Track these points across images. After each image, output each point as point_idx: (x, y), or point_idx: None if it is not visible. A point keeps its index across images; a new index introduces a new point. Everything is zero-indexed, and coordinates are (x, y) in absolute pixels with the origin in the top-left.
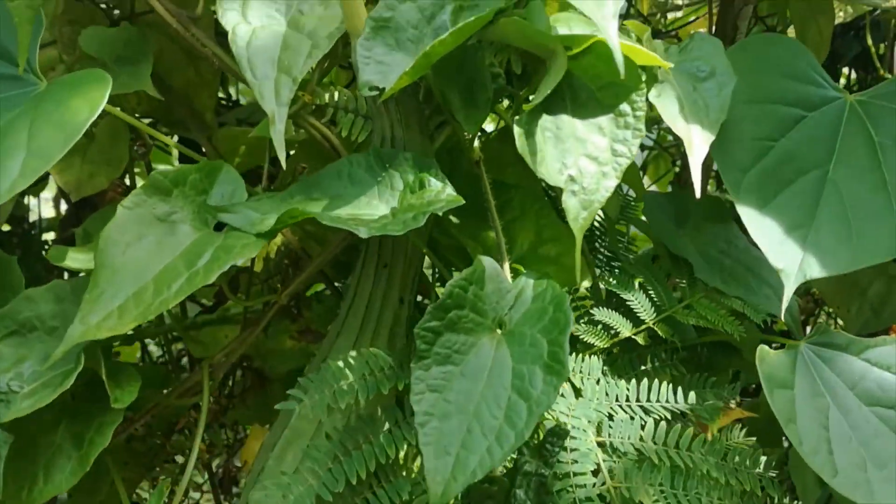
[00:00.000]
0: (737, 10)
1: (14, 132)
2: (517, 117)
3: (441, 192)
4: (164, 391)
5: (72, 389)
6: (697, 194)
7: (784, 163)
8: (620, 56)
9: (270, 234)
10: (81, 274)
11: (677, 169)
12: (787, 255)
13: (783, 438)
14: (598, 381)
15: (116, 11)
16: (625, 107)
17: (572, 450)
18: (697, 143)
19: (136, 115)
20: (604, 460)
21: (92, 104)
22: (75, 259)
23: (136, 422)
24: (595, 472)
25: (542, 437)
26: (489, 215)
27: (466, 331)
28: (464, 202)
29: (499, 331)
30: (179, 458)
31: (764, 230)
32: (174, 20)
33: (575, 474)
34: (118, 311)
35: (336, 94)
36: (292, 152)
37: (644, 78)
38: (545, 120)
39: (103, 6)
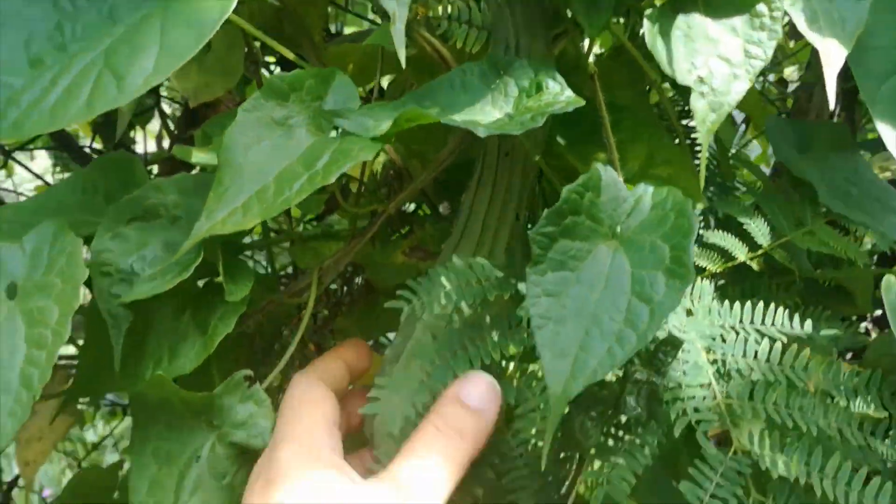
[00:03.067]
0: None
1: (146, 30)
2: (648, 12)
3: (560, 93)
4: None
5: (195, 280)
6: (832, 104)
7: None
8: None
9: (386, 138)
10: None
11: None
12: None
13: None
14: (710, 305)
15: None
16: (761, 7)
17: (684, 362)
18: (833, 54)
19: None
20: (715, 377)
21: (223, 3)
22: (198, 156)
23: (250, 318)
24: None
25: (653, 348)
26: (603, 132)
27: (582, 237)
28: (584, 103)
29: (614, 239)
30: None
31: None
32: None
33: (686, 386)
34: (242, 208)
35: (449, 7)
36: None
37: None
38: (679, 19)
39: None
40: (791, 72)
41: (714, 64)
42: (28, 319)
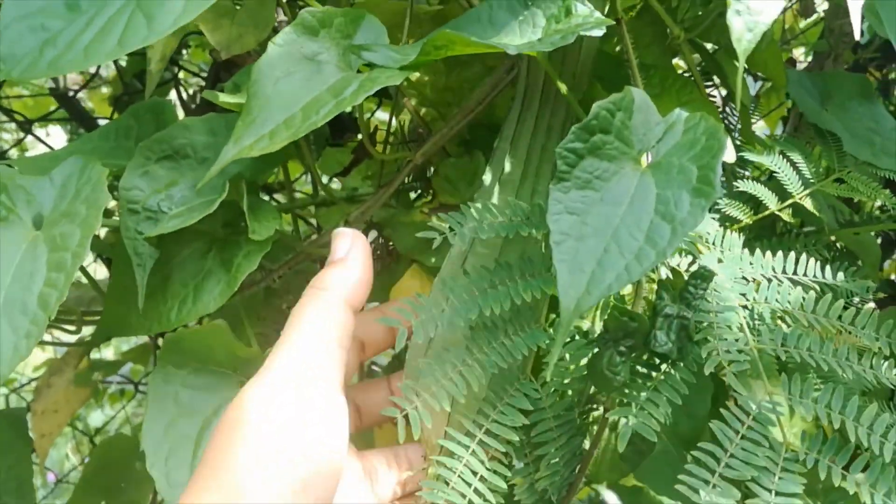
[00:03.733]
0: None
1: None
2: None
3: (589, 15)
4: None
5: (222, 222)
6: (857, 35)
7: None
8: None
9: (413, 67)
10: None
11: (790, 104)
12: None
13: None
14: (740, 255)
15: None
16: None
17: (717, 303)
18: None
19: None
20: (746, 322)
21: None
22: (227, 98)
23: (275, 272)
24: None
25: (683, 282)
26: (632, 82)
27: (609, 158)
28: (613, 23)
29: (644, 163)
30: None
31: None
32: None
33: (718, 326)
34: (269, 134)
35: None
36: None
37: None
38: None
39: None
40: (799, 54)
41: None
42: (51, 245)
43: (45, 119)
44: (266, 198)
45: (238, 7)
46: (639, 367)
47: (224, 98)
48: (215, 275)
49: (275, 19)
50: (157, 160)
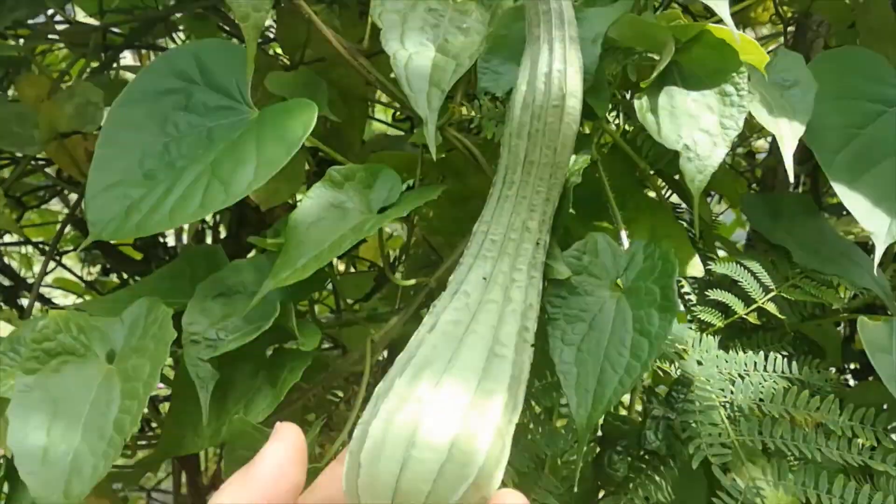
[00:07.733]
0: (809, 42)
1: (244, 146)
2: (637, 94)
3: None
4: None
5: (268, 345)
6: (791, 178)
7: (869, 147)
8: (734, 29)
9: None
10: None
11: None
12: (876, 221)
13: None
14: (716, 356)
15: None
16: (729, 87)
17: (698, 403)
18: (787, 136)
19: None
20: (727, 417)
21: (305, 124)
22: (271, 243)
23: (310, 391)
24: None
25: (667, 388)
26: (608, 205)
27: (588, 292)
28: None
29: (618, 288)
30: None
31: (856, 200)
32: (345, 51)
33: (701, 424)
34: (302, 267)
35: (482, 107)
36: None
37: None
38: (662, 100)
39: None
40: (759, 144)
41: (697, 135)
42: (123, 377)
43: (86, 251)
44: None
45: None
46: (635, 462)
47: (269, 244)
48: (263, 391)
49: (304, 174)
50: (212, 297)
